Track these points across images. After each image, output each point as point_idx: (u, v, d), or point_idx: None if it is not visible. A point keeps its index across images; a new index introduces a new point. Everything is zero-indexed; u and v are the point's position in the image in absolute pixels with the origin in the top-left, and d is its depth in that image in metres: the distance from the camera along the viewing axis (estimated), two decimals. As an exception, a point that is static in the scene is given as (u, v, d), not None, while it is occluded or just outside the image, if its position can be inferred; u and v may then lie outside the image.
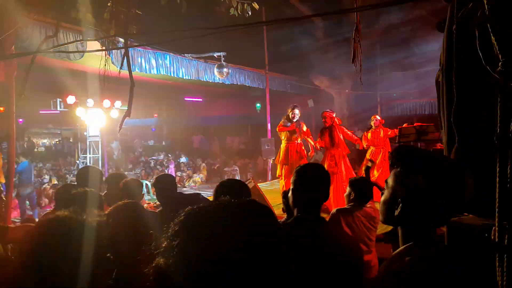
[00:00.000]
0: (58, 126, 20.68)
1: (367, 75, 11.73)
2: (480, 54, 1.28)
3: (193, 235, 0.63)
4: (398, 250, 1.07)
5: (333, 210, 3.03)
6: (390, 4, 10.86)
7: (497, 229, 1.29)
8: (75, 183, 3.19)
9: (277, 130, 6.76)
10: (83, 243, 1.03)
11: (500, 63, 1.23)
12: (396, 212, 1.06)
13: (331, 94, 12.45)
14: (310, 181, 1.66)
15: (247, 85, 10.35)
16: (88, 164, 9.46)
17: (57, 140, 21.44)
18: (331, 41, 11.10)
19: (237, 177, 13.54)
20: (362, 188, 3.02)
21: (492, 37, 1.25)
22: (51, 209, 3.44)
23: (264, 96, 10.80)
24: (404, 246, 1.06)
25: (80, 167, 9.66)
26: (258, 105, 15.21)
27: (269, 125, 10.63)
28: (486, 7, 1.26)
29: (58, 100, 9.03)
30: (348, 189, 3.08)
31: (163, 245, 0.66)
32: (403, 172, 1.06)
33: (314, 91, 12.91)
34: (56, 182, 10.98)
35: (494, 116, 1.28)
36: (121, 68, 2.10)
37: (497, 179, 1.24)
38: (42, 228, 1.14)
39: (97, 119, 9.30)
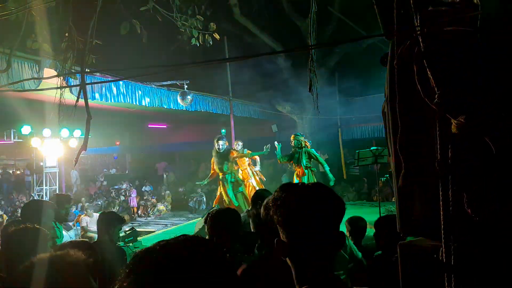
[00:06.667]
0: (12, 157, 19.66)
1: (327, 100, 12.23)
2: (419, 87, 1.39)
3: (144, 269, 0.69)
4: None
5: None
6: (345, 42, 11.50)
7: (444, 250, 1.37)
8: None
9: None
10: None
11: (436, 95, 1.34)
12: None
13: (293, 119, 12.74)
14: None
15: (211, 111, 10.41)
16: (44, 196, 9.01)
17: (11, 171, 20.27)
18: (292, 68, 11.48)
19: (203, 204, 13.36)
20: None
21: (428, 71, 1.37)
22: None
23: (229, 122, 10.87)
24: None
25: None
26: (223, 130, 15.23)
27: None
28: (422, 45, 1.39)
29: (12, 130, 8.62)
30: None
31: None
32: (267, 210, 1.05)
33: (278, 116, 13.17)
34: (7, 217, 10.28)
35: (434, 143, 1.39)
36: (77, 101, 2.06)
37: (441, 203, 1.33)
38: None
39: (54, 150, 8.94)
